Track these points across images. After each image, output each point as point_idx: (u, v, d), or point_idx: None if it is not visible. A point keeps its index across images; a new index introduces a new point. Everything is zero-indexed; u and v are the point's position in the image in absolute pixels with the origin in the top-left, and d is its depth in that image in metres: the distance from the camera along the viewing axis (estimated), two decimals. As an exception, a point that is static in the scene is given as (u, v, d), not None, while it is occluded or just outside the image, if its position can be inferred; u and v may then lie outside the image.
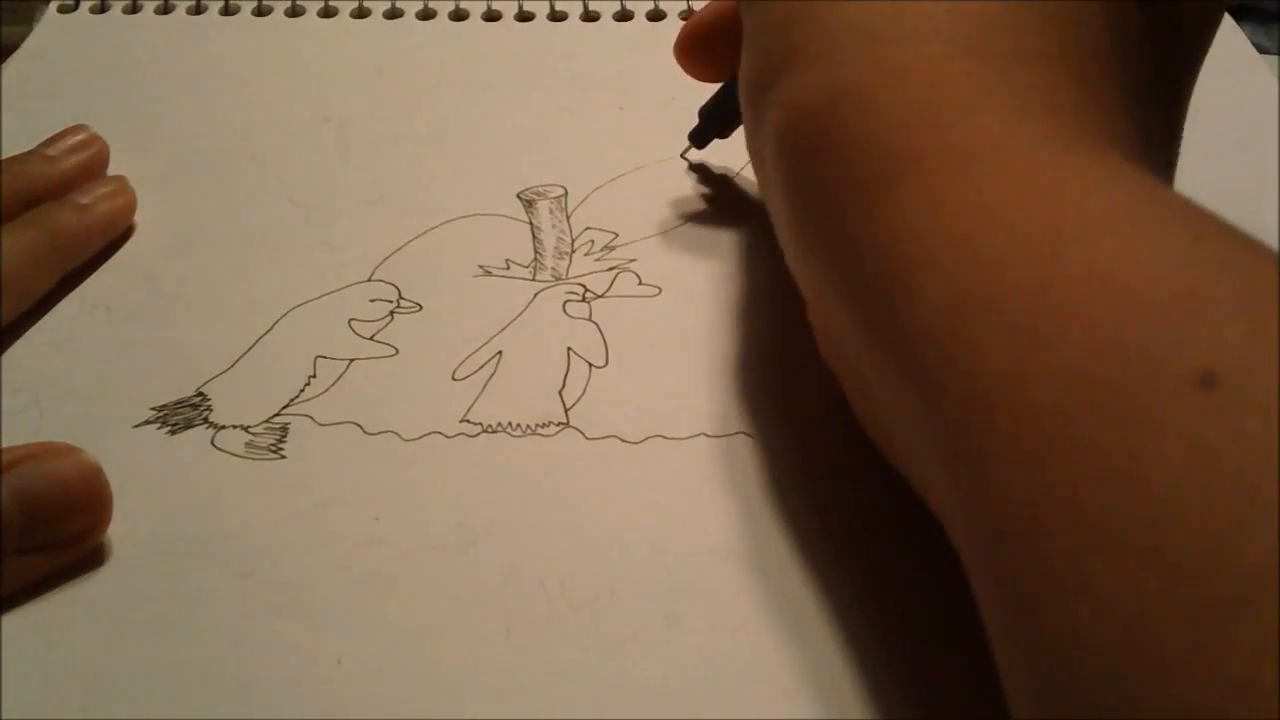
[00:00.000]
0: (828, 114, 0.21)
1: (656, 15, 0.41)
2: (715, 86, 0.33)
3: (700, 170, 0.34)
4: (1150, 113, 0.22)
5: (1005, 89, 0.20)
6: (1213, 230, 0.17)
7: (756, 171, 0.26)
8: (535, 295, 0.30)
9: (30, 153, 0.32)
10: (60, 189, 0.32)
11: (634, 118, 0.36)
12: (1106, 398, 0.15)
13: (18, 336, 0.29)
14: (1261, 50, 0.38)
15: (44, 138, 0.33)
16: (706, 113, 0.33)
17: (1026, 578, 0.16)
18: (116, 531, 0.25)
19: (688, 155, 0.34)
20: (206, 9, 0.41)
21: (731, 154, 0.34)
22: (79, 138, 0.33)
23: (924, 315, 0.18)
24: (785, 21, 0.23)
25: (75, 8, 0.41)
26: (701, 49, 0.31)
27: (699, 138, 0.34)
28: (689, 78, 0.33)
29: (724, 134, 0.33)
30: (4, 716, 0.22)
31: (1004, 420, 0.16)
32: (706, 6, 0.31)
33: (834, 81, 0.21)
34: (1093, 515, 0.15)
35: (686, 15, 0.41)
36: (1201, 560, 0.14)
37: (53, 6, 0.41)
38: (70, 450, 0.24)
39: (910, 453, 0.21)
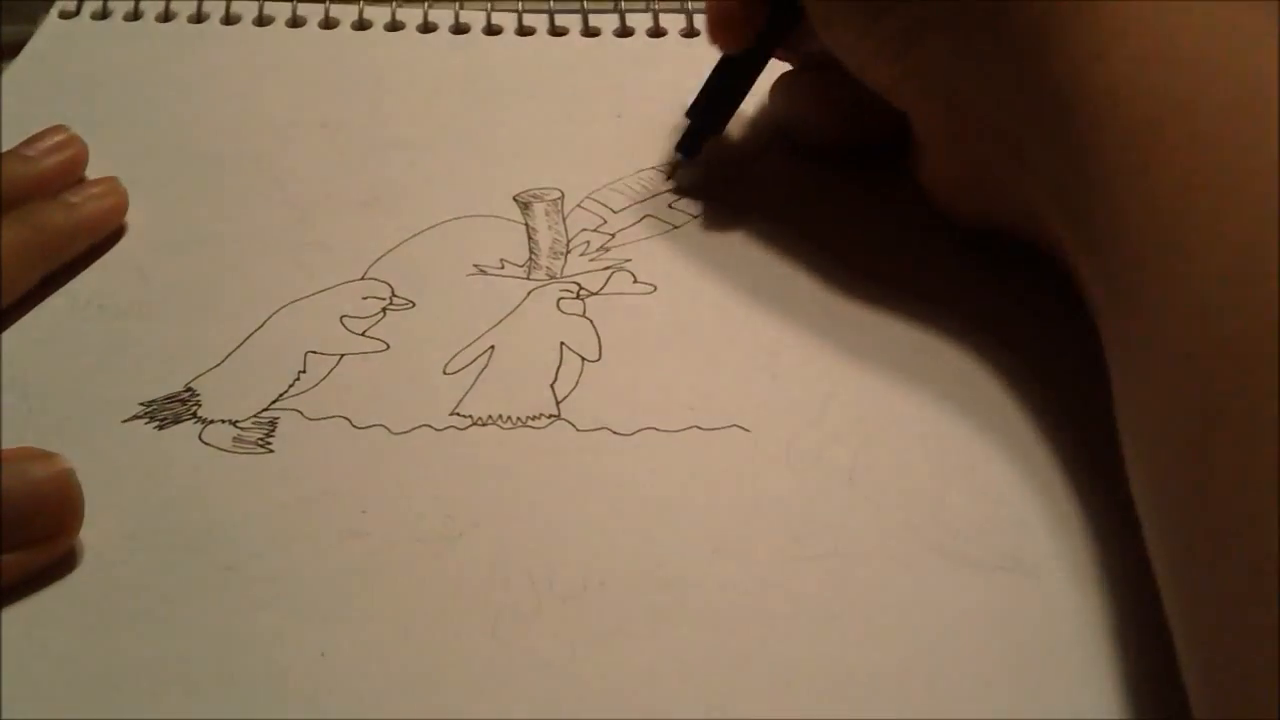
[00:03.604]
0: None
1: (657, 32, 0.41)
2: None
3: (694, 184, 0.34)
4: None
5: None
6: None
7: (883, 47, 0.28)
8: (529, 293, 0.30)
9: (8, 152, 0.32)
10: (38, 189, 0.31)
11: (632, 125, 0.36)
12: (1255, 107, 0.21)
13: (7, 331, 0.29)
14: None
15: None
16: (701, 108, 0.33)
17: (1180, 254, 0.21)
18: (103, 526, 0.24)
19: (676, 176, 0.34)
20: (207, 17, 0.41)
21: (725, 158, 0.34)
22: (58, 138, 0.33)
23: (1108, 75, 0.23)
24: None
25: (77, 14, 0.41)
26: (730, 24, 0.32)
27: (691, 143, 0.33)
28: (690, 90, 0.33)
29: (719, 128, 0.33)
30: None
31: (1170, 129, 0.22)
32: None
33: None
34: (1234, 185, 0.21)
35: (687, 33, 0.41)
36: None
37: (54, 12, 0.41)
38: (44, 455, 0.24)
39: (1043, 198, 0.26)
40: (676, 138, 0.34)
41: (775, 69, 0.34)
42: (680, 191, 0.33)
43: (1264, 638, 0.17)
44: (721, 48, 0.33)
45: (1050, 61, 0.25)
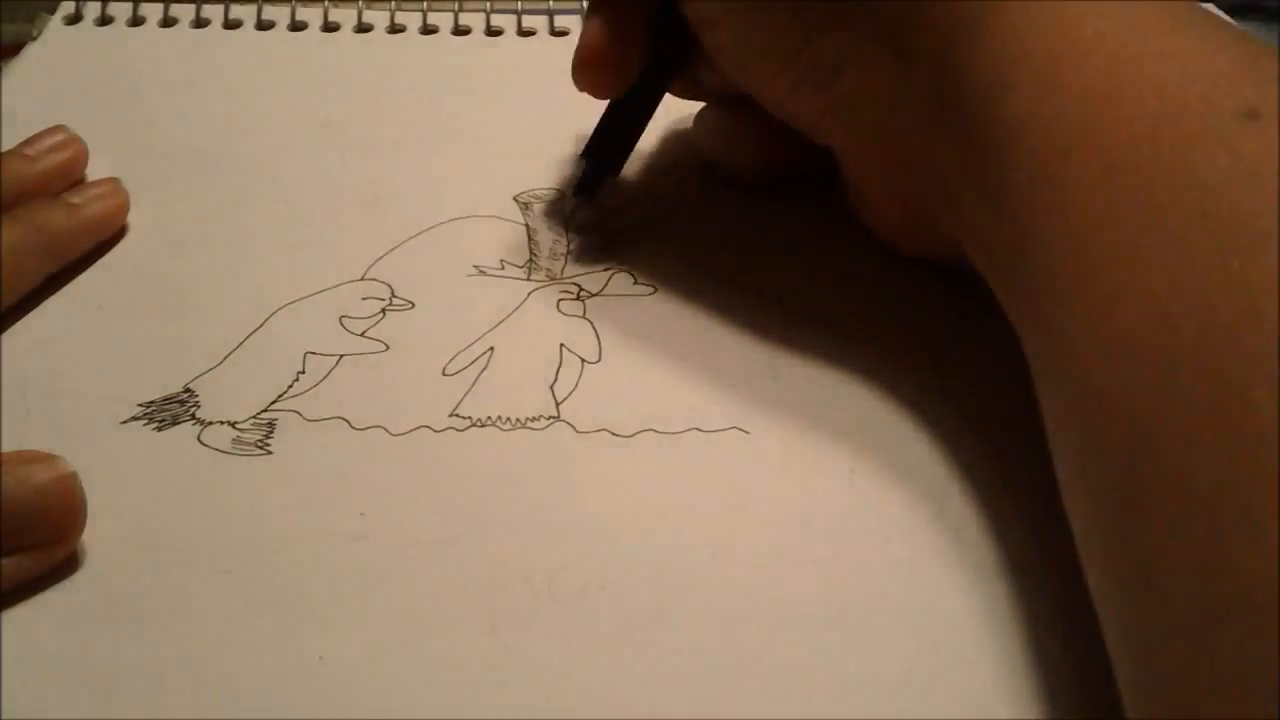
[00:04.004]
0: None
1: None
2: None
3: (591, 222, 0.32)
4: None
5: None
6: (1241, 33, 0.22)
7: (797, 88, 0.27)
8: (529, 294, 0.30)
9: (8, 152, 0.32)
10: (38, 188, 0.32)
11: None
12: (1168, 131, 0.20)
13: (7, 332, 0.29)
14: (1262, 48, 0.38)
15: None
16: (595, 148, 0.32)
17: (1092, 278, 0.20)
18: (101, 528, 0.24)
19: (577, 218, 0.32)
20: (209, 23, 0.41)
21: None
22: (57, 139, 0.33)
23: (1016, 106, 0.22)
24: None
25: (79, 19, 0.41)
26: (600, 65, 0.30)
27: (588, 187, 0.32)
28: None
29: (615, 169, 0.32)
30: None
31: (1076, 169, 0.21)
32: (584, 29, 0.30)
33: None
34: (1153, 214, 0.19)
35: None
36: (1251, 243, 0.18)
37: (57, 17, 0.41)
38: (48, 458, 0.24)
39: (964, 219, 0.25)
40: (676, 137, 0.34)
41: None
42: (580, 229, 0.32)
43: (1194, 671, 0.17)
44: (589, 92, 0.31)
45: (962, 93, 0.24)
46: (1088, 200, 0.20)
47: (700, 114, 0.33)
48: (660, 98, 0.31)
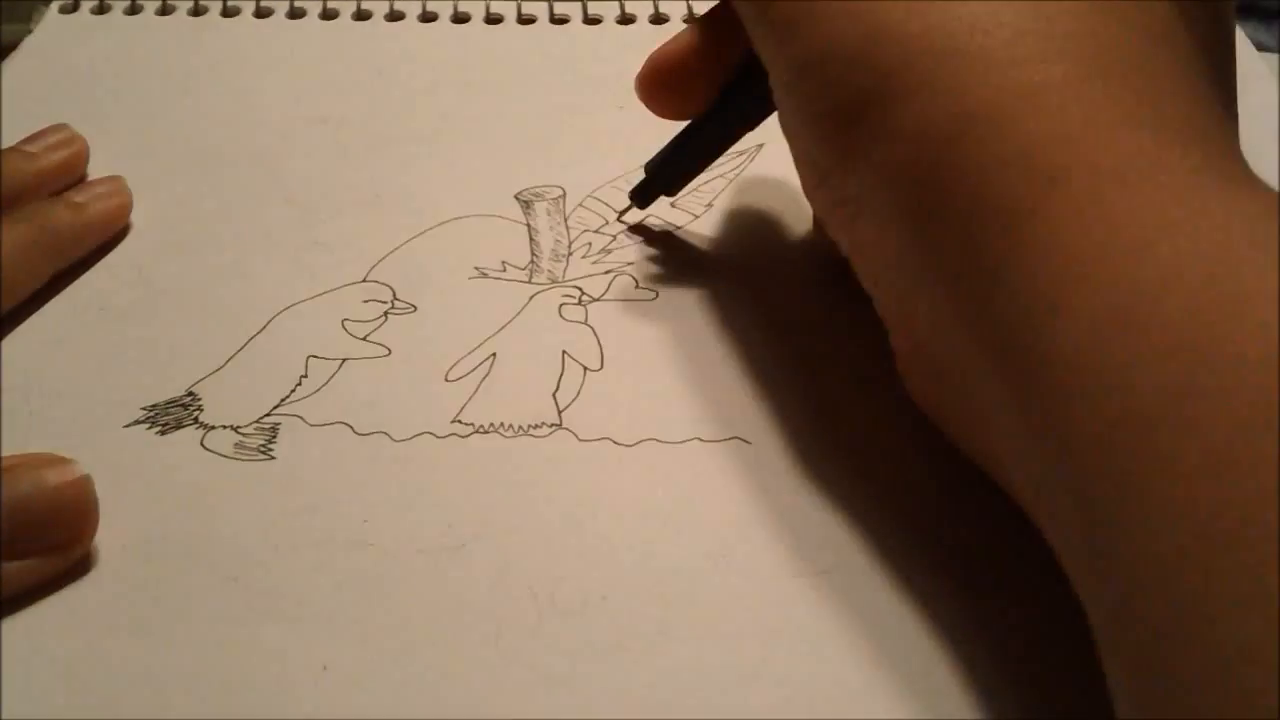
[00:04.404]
0: (957, 139, 0.20)
1: (659, 19, 0.41)
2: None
3: (640, 230, 0.32)
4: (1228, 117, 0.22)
5: (1147, 110, 0.20)
6: None
7: (829, 213, 0.24)
8: (531, 298, 0.30)
9: (9, 149, 0.32)
10: (40, 185, 0.31)
11: (635, 118, 0.36)
12: None
13: (9, 335, 0.29)
14: (1261, 48, 0.38)
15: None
16: (657, 167, 0.31)
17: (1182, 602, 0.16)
18: (104, 533, 0.24)
19: (625, 217, 0.32)
20: (207, 10, 0.41)
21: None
22: (59, 136, 0.33)
23: (1073, 332, 0.18)
24: (866, 48, 0.22)
25: (76, 8, 0.41)
26: (670, 84, 0.28)
27: (643, 196, 0.31)
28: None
29: (672, 191, 0.31)
30: None
31: (1165, 439, 0.16)
32: (673, 39, 0.29)
33: (962, 107, 0.20)
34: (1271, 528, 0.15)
35: (689, 19, 0.40)
36: None
37: (54, 7, 0.41)
38: (61, 461, 0.24)
39: (1026, 477, 0.21)
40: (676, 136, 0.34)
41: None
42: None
43: None
44: (655, 110, 0.29)
45: (992, 299, 0.20)
46: (1163, 467, 0.16)
47: None
48: (737, 139, 0.29)
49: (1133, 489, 0.17)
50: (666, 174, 0.31)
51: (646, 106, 0.29)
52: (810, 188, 0.25)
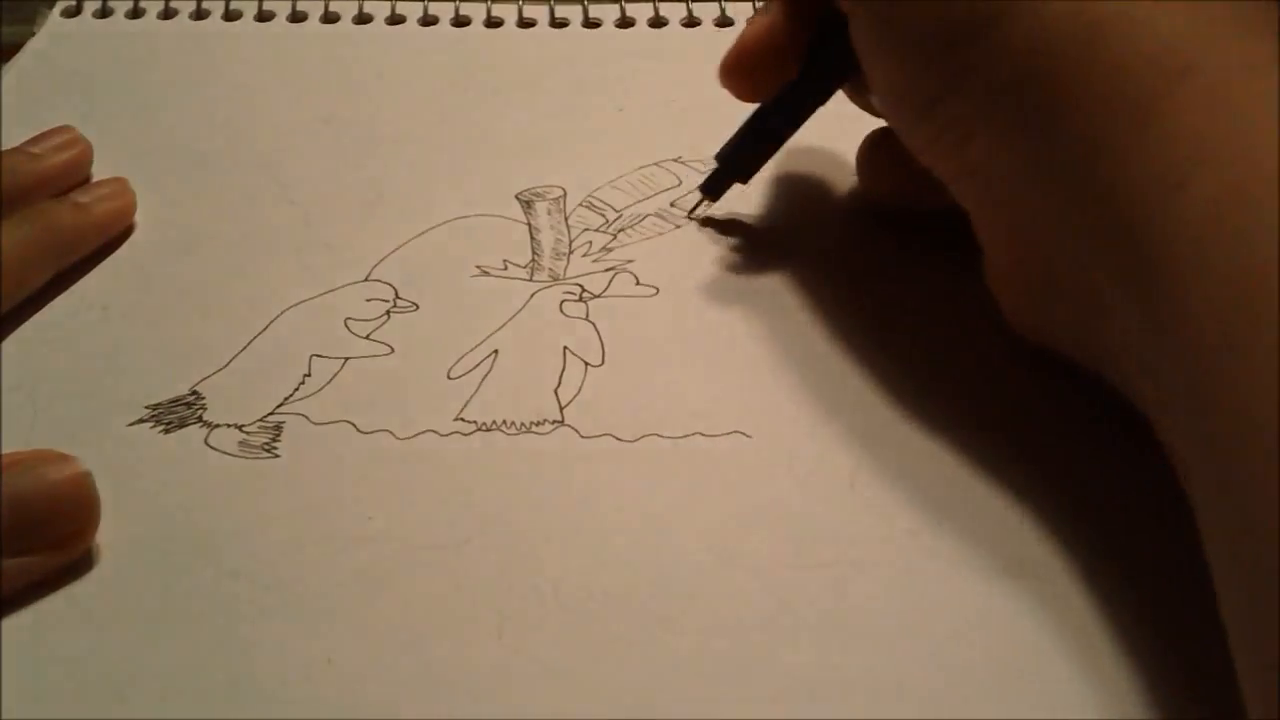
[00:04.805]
0: (1087, 42, 0.22)
1: (658, 22, 0.41)
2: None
3: (711, 222, 0.32)
4: None
5: (1258, 16, 0.21)
6: None
7: (934, 143, 0.25)
8: (532, 295, 0.30)
9: (13, 150, 0.32)
10: (43, 186, 0.32)
11: (634, 119, 0.36)
12: None
13: (13, 334, 0.29)
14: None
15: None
16: (730, 156, 0.31)
17: None
18: (108, 531, 0.24)
19: (695, 214, 0.32)
20: (209, 14, 0.41)
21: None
22: (63, 138, 0.33)
23: (1197, 205, 0.19)
24: None
25: (79, 11, 0.41)
26: (761, 63, 0.30)
27: (715, 187, 0.31)
28: (691, 81, 0.33)
29: (745, 178, 0.31)
30: None
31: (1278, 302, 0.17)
32: (750, 22, 0.30)
33: (1089, 12, 0.22)
34: None
35: (688, 23, 0.41)
36: None
37: (57, 9, 0.41)
38: (61, 457, 0.24)
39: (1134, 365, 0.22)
40: (678, 133, 0.34)
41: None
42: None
43: None
44: (733, 91, 0.30)
45: (1116, 188, 0.21)
46: None
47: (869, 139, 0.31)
48: (808, 116, 0.30)
49: (1245, 351, 0.18)
50: (740, 161, 0.31)
51: (733, 92, 0.30)
52: (910, 123, 0.26)
